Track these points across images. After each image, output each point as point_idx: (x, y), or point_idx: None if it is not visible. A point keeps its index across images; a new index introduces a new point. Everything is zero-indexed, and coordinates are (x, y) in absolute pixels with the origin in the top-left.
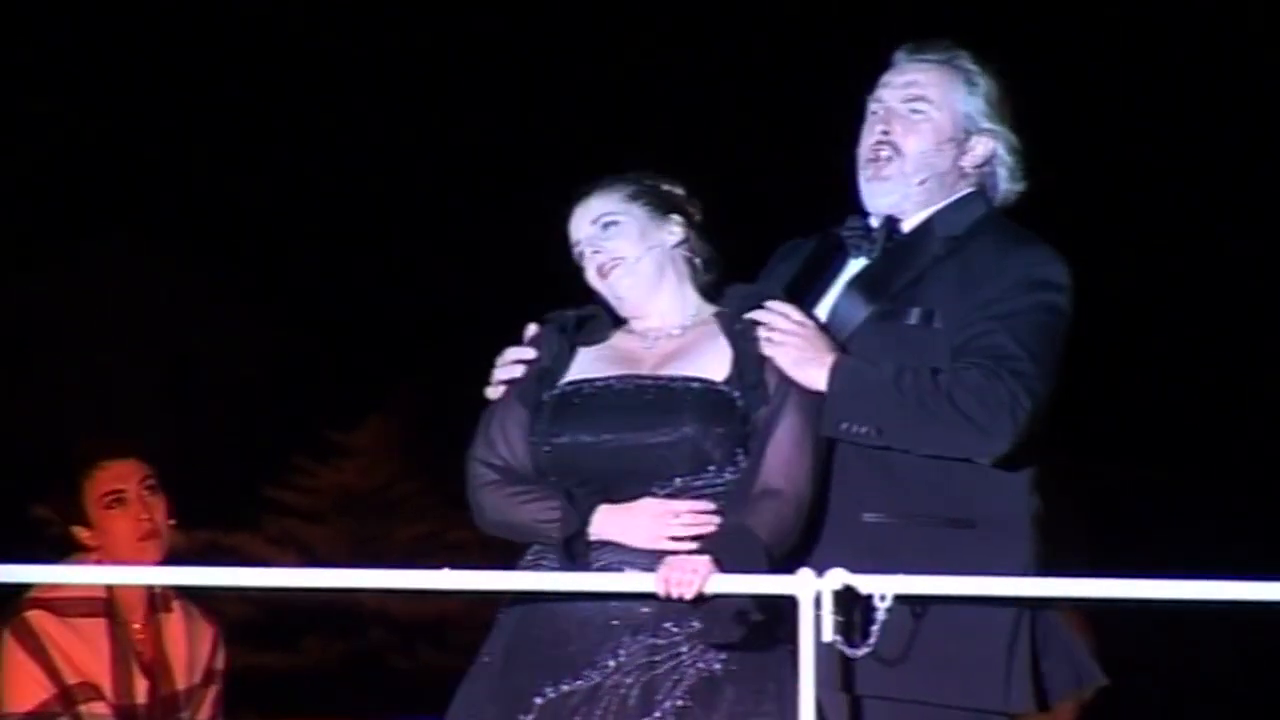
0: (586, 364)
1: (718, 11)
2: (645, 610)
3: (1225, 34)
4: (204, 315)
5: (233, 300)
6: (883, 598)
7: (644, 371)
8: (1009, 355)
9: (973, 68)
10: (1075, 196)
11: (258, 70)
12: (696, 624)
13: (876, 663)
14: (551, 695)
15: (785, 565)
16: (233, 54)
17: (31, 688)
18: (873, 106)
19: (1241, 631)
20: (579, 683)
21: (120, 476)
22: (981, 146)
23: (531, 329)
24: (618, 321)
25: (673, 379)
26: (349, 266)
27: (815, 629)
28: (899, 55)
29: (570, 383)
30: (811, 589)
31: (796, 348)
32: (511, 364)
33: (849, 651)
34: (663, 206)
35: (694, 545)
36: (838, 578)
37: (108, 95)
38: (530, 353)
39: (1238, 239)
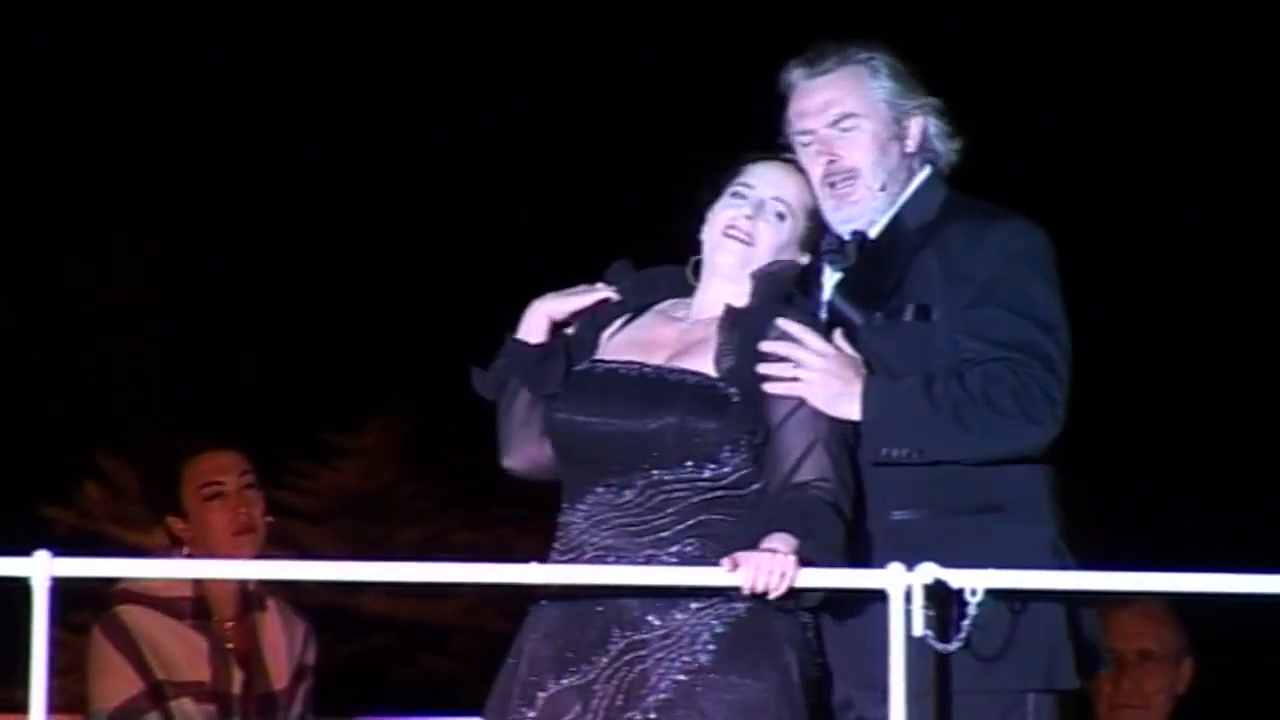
0: (612, 346)
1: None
2: (630, 604)
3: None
4: (204, 315)
5: (233, 300)
6: (974, 592)
7: (653, 360)
8: (1032, 342)
9: (864, 54)
10: (1073, 195)
11: (257, 69)
12: (679, 615)
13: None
14: (553, 689)
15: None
16: (230, 52)
17: (121, 683)
18: (802, 139)
19: None
20: (574, 678)
21: (221, 469)
22: (915, 125)
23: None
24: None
25: (671, 370)
26: (349, 267)
27: (905, 623)
28: (795, 77)
29: (590, 362)
30: (902, 584)
31: (824, 385)
32: (592, 292)
33: (939, 646)
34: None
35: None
36: (929, 572)
37: (109, 93)
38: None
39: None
